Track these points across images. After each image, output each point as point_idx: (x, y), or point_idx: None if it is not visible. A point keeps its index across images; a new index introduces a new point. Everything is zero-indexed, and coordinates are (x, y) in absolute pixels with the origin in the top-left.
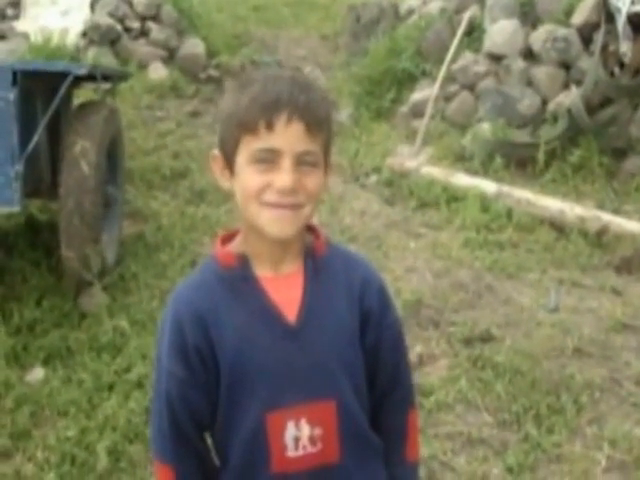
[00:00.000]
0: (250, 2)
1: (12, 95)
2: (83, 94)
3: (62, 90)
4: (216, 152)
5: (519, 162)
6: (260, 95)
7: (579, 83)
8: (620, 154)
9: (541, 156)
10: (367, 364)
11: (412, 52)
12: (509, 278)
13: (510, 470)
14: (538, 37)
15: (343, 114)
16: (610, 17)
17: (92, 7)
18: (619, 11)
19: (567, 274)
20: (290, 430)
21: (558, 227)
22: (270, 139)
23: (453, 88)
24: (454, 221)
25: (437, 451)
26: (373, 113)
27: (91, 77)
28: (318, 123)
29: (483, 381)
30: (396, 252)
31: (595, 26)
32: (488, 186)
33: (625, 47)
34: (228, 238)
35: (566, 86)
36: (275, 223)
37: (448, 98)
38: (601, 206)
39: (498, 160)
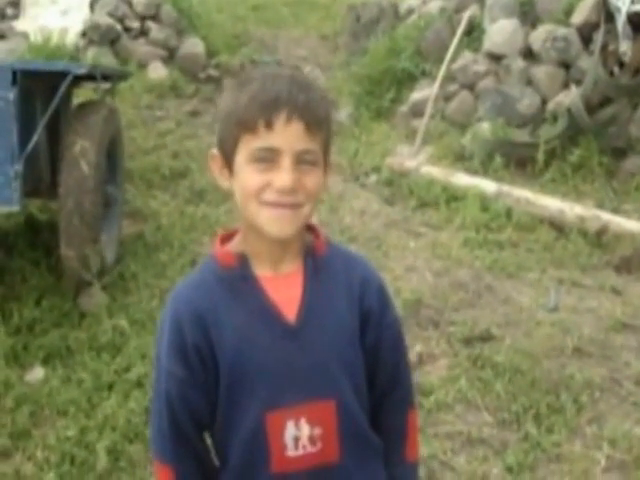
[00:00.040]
0: (249, 2)
1: (12, 95)
2: (83, 94)
3: (62, 90)
4: (215, 151)
5: (519, 162)
6: (259, 94)
7: (579, 83)
8: (620, 154)
9: (541, 156)
10: (367, 364)
11: (412, 52)
12: (509, 278)
13: (510, 470)
14: (538, 37)
15: (343, 114)
16: (610, 16)
17: (92, 7)
18: (619, 10)
19: (567, 274)
20: (290, 430)
21: (558, 227)
22: (269, 138)
23: (453, 88)
24: (454, 221)
25: (437, 451)
26: (373, 113)
27: (91, 77)
28: (317, 122)
29: (483, 381)
30: (396, 252)
31: (595, 26)
32: (488, 186)
33: (625, 46)
34: (227, 237)
35: (566, 86)
36: (274, 222)
37: (448, 98)
38: (601, 206)
39: (498, 160)
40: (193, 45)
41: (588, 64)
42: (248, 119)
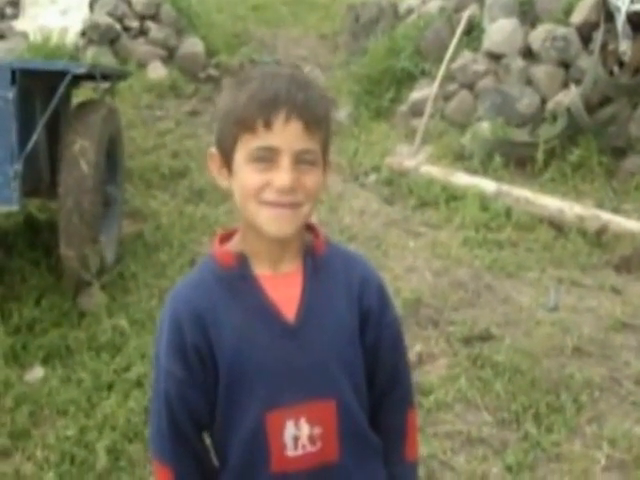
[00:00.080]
0: (249, 1)
1: (11, 94)
2: (82, 93)
3: (61, 89)
4: (213, 150)
5: (518, 161)
6: (258, 93)
7: (578, 82)
8: (619, 153)
9: (540, 155)
10: (366, 363)
11: (411, 51)
12: (508, 277)
13: (509, 469)
14: (537, 36)
15: (342, 113)
16: (609, 16)
17: (91, 6)
18: (618, 10)
19: (566, 273)
20: (289, 429)
21: (557, 226)
22: (268, 138)
23: (452, 87)
24: (453, 220)
25: (436, 450)
26: (372, 112)
27: (90, 76)
28: (317, 121)
29: (482, 380)
30: (395, 251)
31: (594, 25)
32: (487, 185)
33: (624, 46)
34: (226, 237)
35: (565, 85)
36: (274, 222)
37: (447, 97)
38: (600, 205)
39: (497, 159)
40: (192, 45)
41: (588, 64)
42: (247, 118)
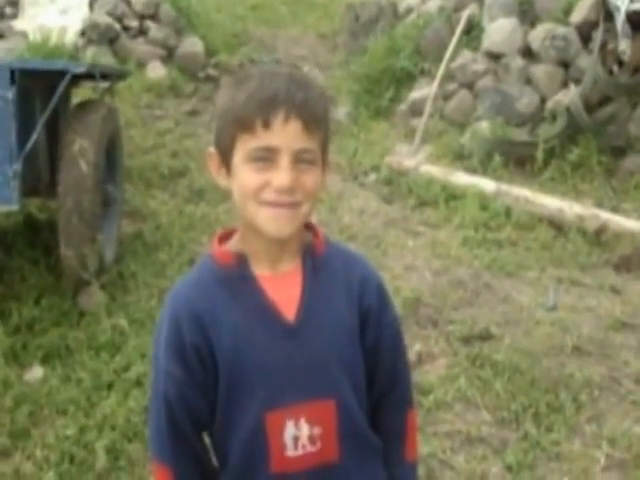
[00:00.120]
0: (248, 1)
1: (10, 94)
2: (82, 93)
3: (60, 89)
4: (212, 149)
5: (518, 160)
6: (257, 92)
7: (578, 81)
8: (619, 152)
9: (540, 154)
10: (366, 363)
11: (411, 51)
12: (508, 276)
13: (509, 469)
14: (537, 35)
15: (342, 113)
16: (609, 15)
17: (91, 6)
18: (618, 9)
19: (566, 272)
20: (289, 429)
21: (557, 225)
22: (267, 137)
23: (452, 87)
24: (453, 219)
25: (436, 450)
26: (372, 112)
27: (90, 76)
28: (316, 121)
29: (482, 379)
30: (395, 251)
31: (594, 24)
32: (487, 184)
33: (624, 45)
34: (225, 237)
35: (565, 84)
36: (273, 222)
37: (447, 97)
38: (600, 204)
39: (497, 159)
40: (192, 44)
41: (587, 63)
42: (245, 118)
